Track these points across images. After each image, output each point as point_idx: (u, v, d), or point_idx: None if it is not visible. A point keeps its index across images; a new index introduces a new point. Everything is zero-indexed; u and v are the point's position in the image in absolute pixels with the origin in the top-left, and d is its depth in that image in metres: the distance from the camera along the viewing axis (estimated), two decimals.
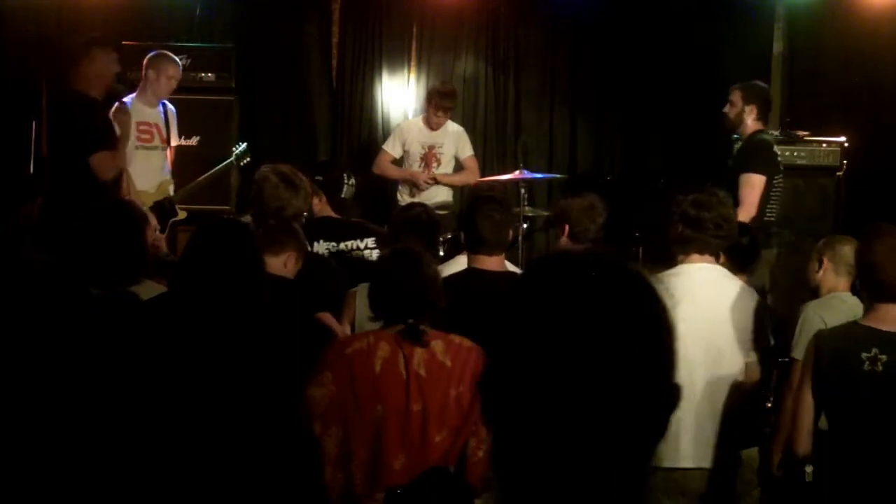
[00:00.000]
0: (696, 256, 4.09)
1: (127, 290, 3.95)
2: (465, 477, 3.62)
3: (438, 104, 7.77)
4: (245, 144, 7.43)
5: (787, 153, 7.50)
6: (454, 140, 7.92)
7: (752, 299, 4.19)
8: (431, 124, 7.85)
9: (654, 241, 6.76)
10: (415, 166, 7.88)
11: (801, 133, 7.73)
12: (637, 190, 8.18)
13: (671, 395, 1.43)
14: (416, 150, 7.87)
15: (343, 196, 5.97)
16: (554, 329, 1.38)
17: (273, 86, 8.94)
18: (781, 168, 6.49)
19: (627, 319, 1.40)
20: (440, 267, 4.73)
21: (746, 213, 5.93)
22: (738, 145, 6.69)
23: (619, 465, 1.40)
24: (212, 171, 7.28)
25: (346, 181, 5.98)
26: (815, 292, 4.88)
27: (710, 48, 8.48)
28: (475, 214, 4.35)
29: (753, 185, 6.18)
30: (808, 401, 3.98)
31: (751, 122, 6.42)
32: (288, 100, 8.97)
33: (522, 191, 7.54)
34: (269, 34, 8.81)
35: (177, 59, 7.06)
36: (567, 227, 4.93)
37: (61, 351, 3.68)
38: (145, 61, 7.00)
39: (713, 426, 4.03)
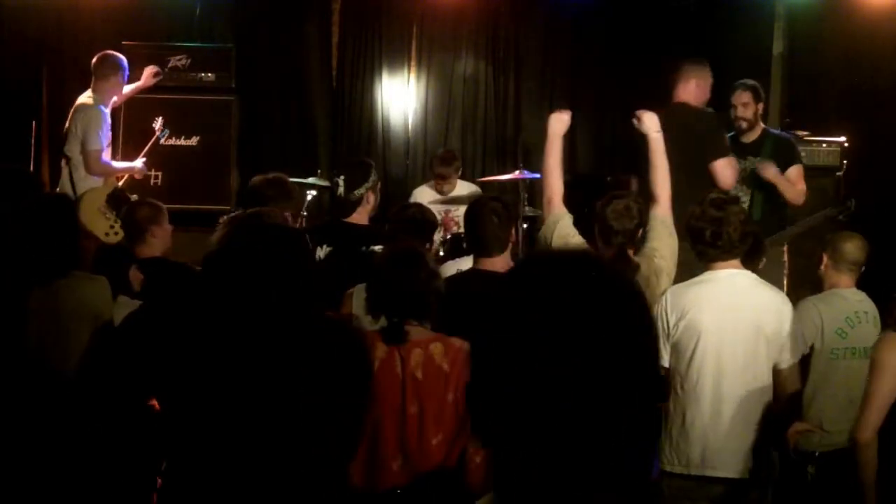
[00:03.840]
0: (715, 264, 4.07)
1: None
2: (464, 480, 3.60)
3: (437, 172, 7.81)
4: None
5: None
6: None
7: (785, 305, 4.12)
8: (439, 190, 7.85)
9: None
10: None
11: (801, 133, 7.71)
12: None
13: (659, 387, 1.42)
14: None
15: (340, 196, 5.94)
16: (540, 332, 1.36)
17: (273, 86, 8.93)
18: None
19: (612, 318, 1.38)
20: (444, 266, 4.75)
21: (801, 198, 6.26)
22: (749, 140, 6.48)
23: (617, 464, 1.38)
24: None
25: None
26: (820, 288, 4.90)
27: (710, 48, 8.47)
28: (476, 218, 4.38)
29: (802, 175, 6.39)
30: None
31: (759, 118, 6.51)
32: (288, 100, 8.97)
33: (523, 191, 7.55)
34: (269, 34, 8.81)
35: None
36: (596, 227, 4.79)
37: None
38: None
39: (745, 434, 3.97)
